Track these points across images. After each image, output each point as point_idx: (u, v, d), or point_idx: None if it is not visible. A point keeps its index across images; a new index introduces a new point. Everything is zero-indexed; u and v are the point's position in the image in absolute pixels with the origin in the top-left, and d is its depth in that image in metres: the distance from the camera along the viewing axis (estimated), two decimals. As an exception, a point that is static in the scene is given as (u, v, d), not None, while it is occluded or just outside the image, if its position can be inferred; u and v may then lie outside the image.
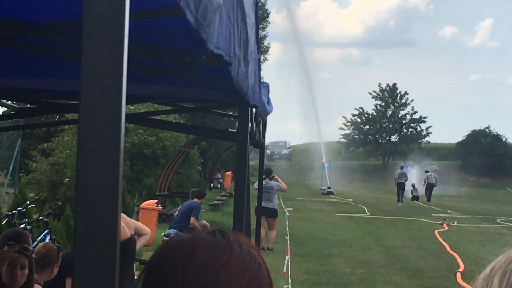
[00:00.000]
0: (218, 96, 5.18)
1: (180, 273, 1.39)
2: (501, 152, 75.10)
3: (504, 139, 78.04)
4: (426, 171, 53.01)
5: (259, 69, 4.83)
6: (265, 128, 8.02)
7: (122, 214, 8.06)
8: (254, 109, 6.05)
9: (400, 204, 44.36)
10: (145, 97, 5.99)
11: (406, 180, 48.46)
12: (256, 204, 12.28)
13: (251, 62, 3.73)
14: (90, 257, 1.03)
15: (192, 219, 15.34)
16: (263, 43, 49.19)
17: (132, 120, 7.89)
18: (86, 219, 1.02)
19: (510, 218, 34.01)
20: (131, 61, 1.81)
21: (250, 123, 6.31)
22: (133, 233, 7.37)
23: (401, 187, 48.04)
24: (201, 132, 14.39)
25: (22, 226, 12.57)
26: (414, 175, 56.20)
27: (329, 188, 53.99)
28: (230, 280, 1.40)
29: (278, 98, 77.43)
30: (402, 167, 53.11)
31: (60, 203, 16.08)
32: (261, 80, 5.89)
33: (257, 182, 17.92)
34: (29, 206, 14.48)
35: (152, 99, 6.63)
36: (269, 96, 8.10)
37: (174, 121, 24.09)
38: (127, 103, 1.09)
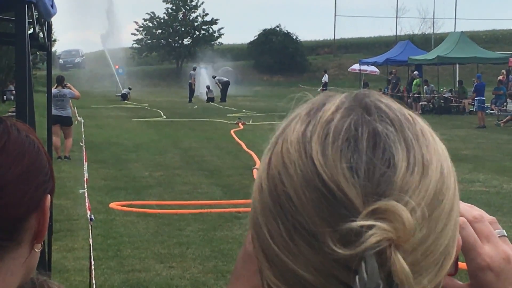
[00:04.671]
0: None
1: None
2: (292, 50, 76.92)
3: (294, 37, 79.80)
4: (214, 77, 54.22)
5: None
6: (51, 31, 7.70)
7: None
8: (35, 11, 5.73)
9: (196, 106, 44.84)
10: None
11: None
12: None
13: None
14: None
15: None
16: None
17: None
18: None
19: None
20: None
21: (32, 26, 5.99)
22: None
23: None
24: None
25: None
26: (208, 77, 56.78)
27: (128, 89, 54.34)
28: (9, 164, 1.39)
29: (69, 6, 75.08)
30: (194, 69, 54.66)
31: None
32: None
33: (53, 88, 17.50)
34: None
35: None
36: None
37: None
38: None
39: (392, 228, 0.80)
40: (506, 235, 1.09)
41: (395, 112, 0.90)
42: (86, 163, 11.93)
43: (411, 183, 0.84)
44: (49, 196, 1.46)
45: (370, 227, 0.80)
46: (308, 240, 0.85)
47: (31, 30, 5.89)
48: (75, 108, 27.22)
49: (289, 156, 0.89)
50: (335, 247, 0.82)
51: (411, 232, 0.81)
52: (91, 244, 6.89)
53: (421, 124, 0.92)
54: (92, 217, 7.00)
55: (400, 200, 0.82)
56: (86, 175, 10.50)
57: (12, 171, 1.39)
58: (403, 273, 0.80)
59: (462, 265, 1.04)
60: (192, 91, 51.78)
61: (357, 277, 0.80)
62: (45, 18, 6.23)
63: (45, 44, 6.80)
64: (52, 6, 7.23)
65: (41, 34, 6.80)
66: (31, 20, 5.61)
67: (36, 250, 1.45)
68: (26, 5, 4.21)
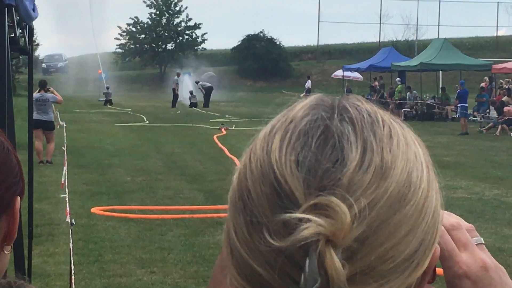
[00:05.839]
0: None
1: None
2: (275, 56, 76.87)
3: (278, 43, 79.79)
4: (197, 82, 54.23)
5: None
6: (32, 35, 7.66)
7: None
8: (15, 14, 5.69)
9: (179, 111, 44.80)
10: None
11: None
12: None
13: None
14: None
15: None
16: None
17: None
18: None
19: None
20: None
21: (13, 29, 5.94)
22: None
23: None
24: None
25: None
26: (191, 82, 56.71)
27: (106, 88, 54.36)
28: None
29: (51, 11, 74.90)
30: (178, 74, 54.90)
31: None
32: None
33: (35, 93, 17.49)
34: None
35: None
36: (35, 3, 7.73)
37: None
38: None
39: (328, 224, 0.80)
40: (483, 242, 1.09)
41: (362, 113, 0.89)
42: (65, 167, 11.88)
43: (361, 183, 0.83)
44: (18, 198, 1.44)
45: (308, 220, 0.80)
46: (263, 235, 0.85)
47: (12, 34, 5.85)
48: (58, 112, 27.13)
49: (254, 152, 0.91)
50: (270, 238, 0.82)
51: (347, 230, 0.80)
52: (71, 248, 6.85)
53: (396, 128, 0.91)
54: (73, 221, 6.96)
55: (343, 197, 0.82)
56: (63, 180, 10.46)
57: None
58: (334, 268, 0.79)
59: (439, 272, 1.03)
60: (175, 96, 51.80)
61: (302, 273, 0.80)
62: (26, 22, 6.19)
63: (26, 48, 6.75)
64: (33, 9, 7.19)
65: (22, 38, 6.76)
66: (11, 24, 5.56)
67: (6, 252, 1.44)
68: (6, 8, 4.17)
